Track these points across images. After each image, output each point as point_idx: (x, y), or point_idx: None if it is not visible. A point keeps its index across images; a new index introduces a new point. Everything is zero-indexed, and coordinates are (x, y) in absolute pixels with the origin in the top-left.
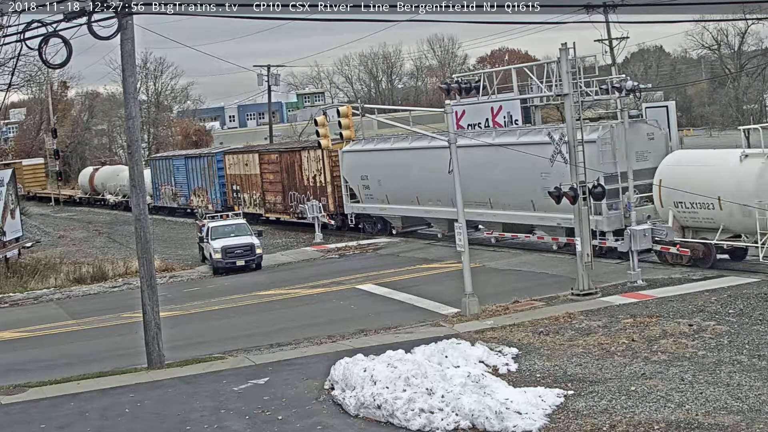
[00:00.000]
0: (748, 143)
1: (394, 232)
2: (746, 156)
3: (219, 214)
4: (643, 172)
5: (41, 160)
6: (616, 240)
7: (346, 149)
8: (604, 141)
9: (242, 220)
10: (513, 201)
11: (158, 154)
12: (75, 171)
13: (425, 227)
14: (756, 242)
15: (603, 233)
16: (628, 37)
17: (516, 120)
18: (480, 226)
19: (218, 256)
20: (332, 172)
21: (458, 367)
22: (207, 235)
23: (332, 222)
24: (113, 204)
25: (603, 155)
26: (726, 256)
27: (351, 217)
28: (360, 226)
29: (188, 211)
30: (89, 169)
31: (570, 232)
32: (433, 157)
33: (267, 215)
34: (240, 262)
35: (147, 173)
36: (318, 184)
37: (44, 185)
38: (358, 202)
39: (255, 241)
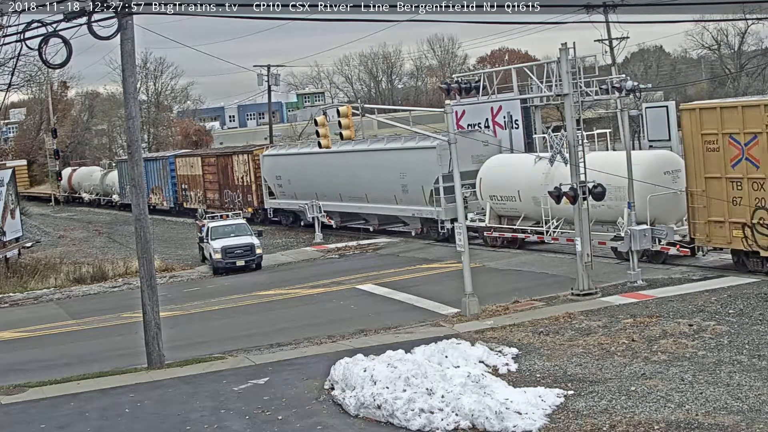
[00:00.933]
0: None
1: (302, 224)
2: (539, 159)
3: (219, 214)
4: (476, 172)
5: (24, 162)
6: (451, 225)
7: (266, 154)
8: (443, 147)
9: (242, 221)
10: (382, 196)
11: (123, 158)
12: None
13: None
14: (542, 225)
15: (443, 221)
16: (628, 37)
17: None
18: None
19: (218, 256)
20: (255, 174)
21: (458, 367)
22: (207, 235)
23: (250, 210)
24: (88, 201)
25: (441, 158)
26: (535, 237)
27: (270, 210)
28: (277, 218)
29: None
30: (68, 170)
31: (423, 221)
32: (330, 161)
33: (216, 208)
34: (240, 263)
35: (115, 174)
36: (245, 184)
37: (27, 187)
38: (275, 198)
39: (255, 241)
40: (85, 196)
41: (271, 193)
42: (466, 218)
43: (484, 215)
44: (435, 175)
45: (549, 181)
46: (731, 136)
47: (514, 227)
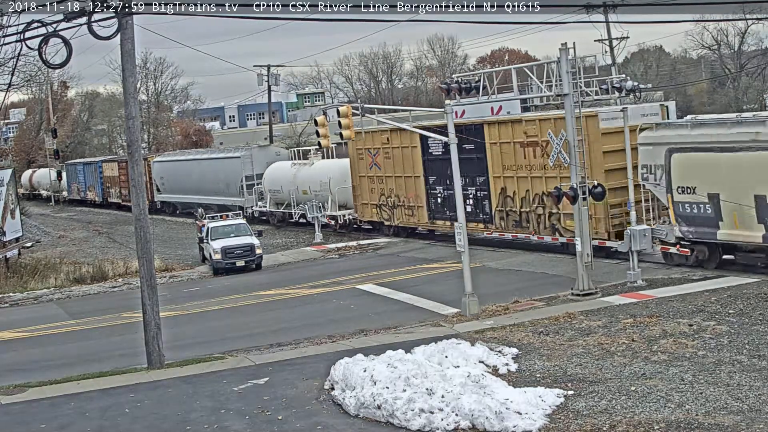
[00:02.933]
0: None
1: (177, 212)
2: (293, 164)
3: (219, 215)
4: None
5: None
6: (251, 210)
7: (155, 160)
8: (246, 157)
9: (242, 221)
10: (216, 191)
11: (69, 161)
12: None
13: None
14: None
15: (246, 207)
16: (628, 37)
17: None
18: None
19: (218, 256)
20: (149, 175)
21: (458, 367)
22: (207, 235)
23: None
24: (46, 197)
25: (244, 165)
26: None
27: (158, 203)
28: (164, 209)
29: (87, 201)
30: (29, 171)
31: (222, 208)
32: (188, 166)
33: (123, 203)
34: (240, 263)
35: (64, 175)
36: (143, 182)
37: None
38: (161, 194)
39: (255, 241)
40: (44, 193)
41: (158, 190)
42: (256, 204)
43: (266, 202)
44: (241, 176)
45: (296, 180)
46: (368, 149)
47: (283, 211)
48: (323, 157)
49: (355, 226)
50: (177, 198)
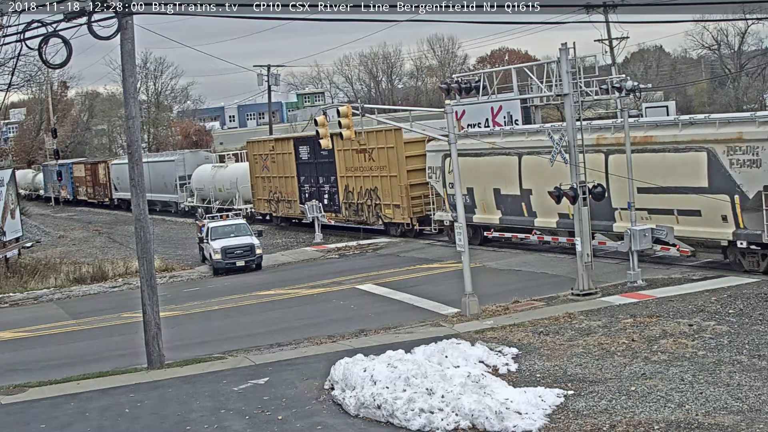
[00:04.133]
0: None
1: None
2: (214, 167)
3: (219, 215)
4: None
5: None
6: (183, 205)
7: (113, 163)
8: (179, 161)
9: (242, 221)
10: (159, 189)
11: (44, 163)
12: None
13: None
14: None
15: (180, 203)
16: (628, 37)
17: (516, 120)
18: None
19: (218, 256)
20: (108, 175)
21: (458, 367)
22: (207, 235)
23: (107, 199)
24: (24, 195)
25: (178, 168)
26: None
27: (115, 200)
28: (121, 206)
29: (61, 199)
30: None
31: (163, 203)
32: (144, 167)
33: (89, 200)
34: (240, 263)
35: (41, 176)
36: (104, 182)
37: None
38: (117, 192)
39: (255, 241)
40: (22, 192)
41: (115, 189)
42: (186, 200)
43: (194, 198)
44: (175, 177)
45: (215, 180)
46: (260, 155)
47: (205, 205)
48: (236, 161)
49: (258, 217)
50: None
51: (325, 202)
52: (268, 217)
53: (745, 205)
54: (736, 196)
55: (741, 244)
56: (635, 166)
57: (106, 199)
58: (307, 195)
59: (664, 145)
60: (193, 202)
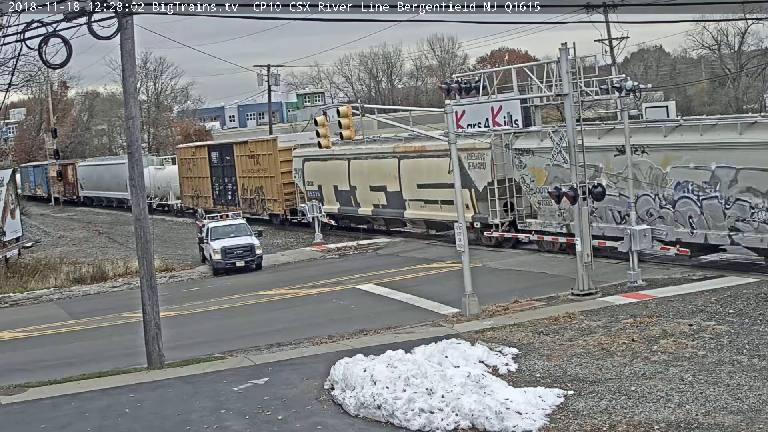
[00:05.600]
0: None
1: (93, 203)
2: (155, 168)
3: (219, 215)
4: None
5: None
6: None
7: (79, 165)
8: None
9: (242, 221)
10: (110, 187)
11: (22, 164)
12: None
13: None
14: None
15: (127, 200)
16: (628, 37)
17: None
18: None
19: (218, 256)
20: (75, 176)
21: (458, 367)
22: (207, 235)
23: (75, 197)
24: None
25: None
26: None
27: (82, 197)
28: (86, 203)
29: (37, 197)
30: None
31: (118, 200)
32: (99, 170)
33: (61, 197)
34: (240, 263)
35: (19, 176)
36: (73, 182)
37: None
38: (83, 190)
39: (255, 241)
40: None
41: (81, 188)
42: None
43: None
44: (125, 177)
45: (154, 179)
46: (185, 159)
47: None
48: (172, 164)
49: (189, 211)
50: (93, 193)
51: (229, 197)
52: (191, 211)
53: (478, 196)
54: (473, 190)
55: (476, 224)
56: (415, 169)
57: (75, 197)
58: (217, 192)
59: (432, 152)
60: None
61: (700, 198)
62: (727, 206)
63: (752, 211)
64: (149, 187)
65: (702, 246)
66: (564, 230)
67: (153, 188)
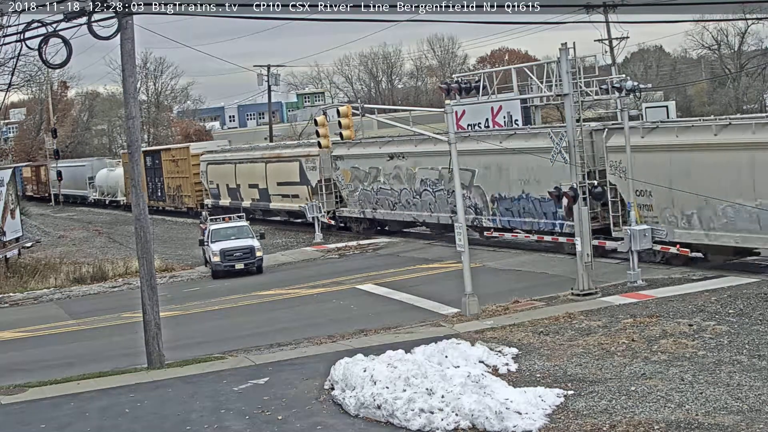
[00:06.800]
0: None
1: (122, 200)
2: (107, 169)
3: (221, 217)
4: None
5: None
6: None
7: (51, 166)
8: (88, 165)
9: (244, 223)
10: (75, 186)
11: (3, 166)
12: None
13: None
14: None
15: (92, 198)
16: (628, 37)
17: (516, 120)
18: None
19: (217, 259)
20: (47, 176)
21: (458, 367)
22: (208, 238)
23: (48, 195)
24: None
25: (87, 170)
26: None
27: (52, 194)
28: (63, 200)
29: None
30: None
31: (82, 197)
32: (71, 170)
33: (34, 195)
34: (239, 266)
35: None
36: (46, 181)
37: None
38: (55, 189)
39: (255, 243)
40: None
41: (53, 186)
42: (92, 195)
43: (98, 193)
44: (86, 177)
45: (108, 179)
46: (128, 162)
47: (109, 198)
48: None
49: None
50: (64, 191)
51: (159, 194)
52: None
53: (313, 191)
54: (309, 186)
55: (309, 217)
56: (276, 171)
57: (47, 194)
58: (150, 189)
59: (286, 158)
60: (96, 195)
61: (434, 191)
62: (449, 196)
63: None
64: (103, 186)
65: (438, 225)
66: (361, 215)
67: (106, 187)
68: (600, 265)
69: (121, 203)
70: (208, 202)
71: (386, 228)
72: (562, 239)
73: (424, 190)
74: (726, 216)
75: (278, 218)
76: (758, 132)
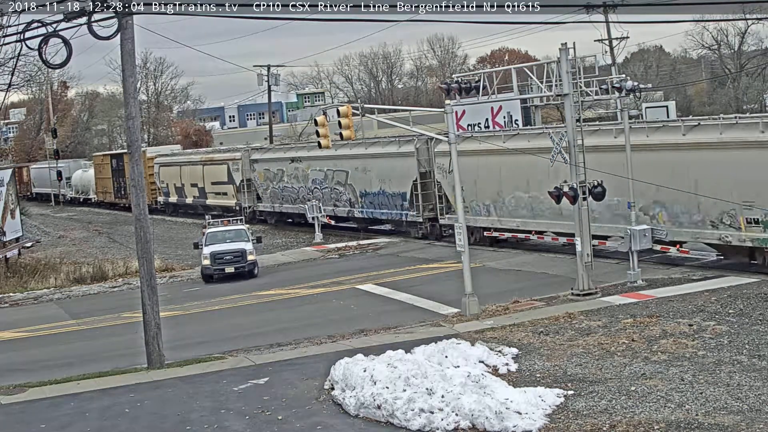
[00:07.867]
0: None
1: (42, 198)
2: (81, 170)
3: (220, 220)
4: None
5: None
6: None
7: (32, 167)
8: (66, 167)
9: (243, 226)
10: (53, 186)
11: None
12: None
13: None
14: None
15: (64, 196)
16: (628, 37)
17: (516, 120)
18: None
19: (207, 262)
20: (29, 176)
21: (458, 367)
22: (203, 241)
23: (31, 194)
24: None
25: (65, 171)
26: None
27: (35, 194)
28: (37, 198)
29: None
30: None
31: (62, 195)
32: (49, 171)
33: (17, 194)
34: (229, 269)
35: None
36: (28, 181)
37: None
38: (35, 188)
39: (247, 246)
40: None
41: (34, 186)
42: (68, 193)
43: (74, 192)
44: (63, 177)
45: (81, 179)
46: (98, 164)
47: (84, 196)
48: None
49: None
50: (41, 190)
51: (122, 193)
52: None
53: (238, 189)
54: (234, 185)
55: (236, 207)
56: (210, 172)
57: (29, 194)
58: (115, 189)
59: (218, 161)
60: (72, 194)
61: (321, 188)
62: (332, 192)
63: (341, 195)
64: (77, 185)
65: (336, 217)
66: (272, 210)
67: (80, 186)
68: (600, 265)
69: (93, 200)
70: (160, 199)
71: (289, 220)
72: (408, 227)
73: (315, 187)
74: (510, 206)
75: (214, 212)
76: (508, 141)
